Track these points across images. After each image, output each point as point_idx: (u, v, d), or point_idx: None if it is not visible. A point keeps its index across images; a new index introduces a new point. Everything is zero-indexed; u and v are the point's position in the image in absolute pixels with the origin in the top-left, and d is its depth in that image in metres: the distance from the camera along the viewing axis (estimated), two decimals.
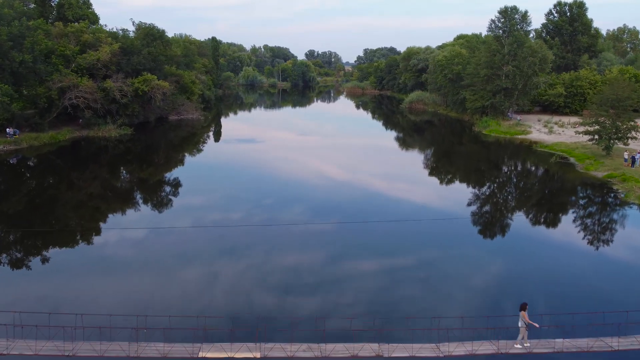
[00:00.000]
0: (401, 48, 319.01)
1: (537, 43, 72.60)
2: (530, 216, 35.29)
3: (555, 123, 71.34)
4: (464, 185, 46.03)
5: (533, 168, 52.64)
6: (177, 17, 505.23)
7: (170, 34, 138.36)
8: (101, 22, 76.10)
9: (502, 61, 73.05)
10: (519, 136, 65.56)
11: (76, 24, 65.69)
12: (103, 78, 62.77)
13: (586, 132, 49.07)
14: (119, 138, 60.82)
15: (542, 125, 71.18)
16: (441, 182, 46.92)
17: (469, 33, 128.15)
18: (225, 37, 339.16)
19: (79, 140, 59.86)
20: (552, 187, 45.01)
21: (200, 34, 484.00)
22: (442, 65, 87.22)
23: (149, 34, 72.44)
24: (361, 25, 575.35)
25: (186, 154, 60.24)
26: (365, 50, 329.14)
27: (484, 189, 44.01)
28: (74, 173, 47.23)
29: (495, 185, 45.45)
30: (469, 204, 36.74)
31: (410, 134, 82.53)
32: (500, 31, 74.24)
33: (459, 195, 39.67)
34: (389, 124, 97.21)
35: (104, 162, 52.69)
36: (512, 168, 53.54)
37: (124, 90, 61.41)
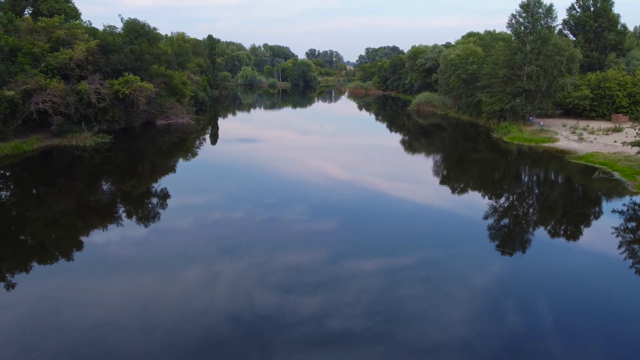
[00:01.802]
0: (403, 47, 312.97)
1: (564, 40, 65.40)
2: (588, 252, 28.13)
3: (584, 129, 64.22)
4: (487, 203, 38.67)
5: (572, 185, 44.76)
6: (177, 17, 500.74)
7: (168, 33, 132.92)
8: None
9: (524, 60, 65.94)
10: (545, 144, 58.38)
11: (48, 18, 58.57)
12: (78, 79, 55.79)
13: (635, 144, 41.97)
14: (95, 147, 53.78)
15: (569, 131, 64.03)
16: (463, 198, 39.77)
17: (469, 32, 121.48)
18: (225, 37, 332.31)
19: (49, 149, 52.80)
20: (606, 215, 34.57)
21: (201, 34, 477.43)
22: (456, 64, 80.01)
23: (133, 30, 65.32)
24: (362, 25, 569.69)
25: (175, 162, 53.64)
26: (367, 50, 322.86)
27: (513, 211, 36.85)
28: (42, 187, 40.79)
29: (529, 207, 38.20)
30: (496, 234, 29.76)
31: (420, 139, 75.23)
32: (522, 27, 67.06)
33: (480, 220, 32.57)
34: (395, 127, 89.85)
35: (77, 175, 45.82)
36: (546, 185, 45.18)
37: (102, 93, 54.36)
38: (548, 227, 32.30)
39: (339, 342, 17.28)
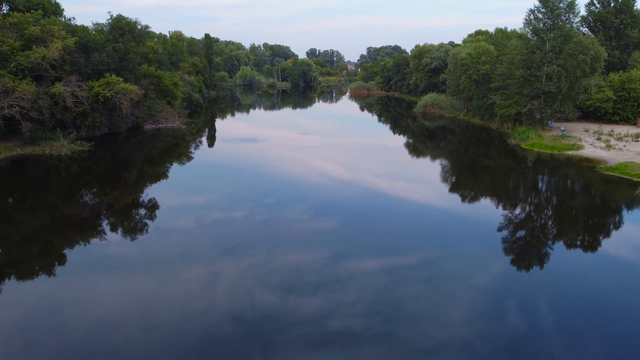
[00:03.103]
0: (405, 46, 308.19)
1: (588, 38, 59.90)
2: None
3: (610, 134, 58.79)
4: (506, 217, 33.06)
5: (611, 204, 38.42)
6: (177, 16, 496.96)
7: (167, 33, 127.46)
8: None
9: (543, 60, 60.50)
10: (569, 152, 52.96)
11: (20, 14, 53.15)
12: (54, 81, 50.43)
13: None
14: (71, 155, 48.39)
15: (594, 137, 58.62)
16: (477, 213, 34.28)
17: (477, 30, 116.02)
18: (226, 37, 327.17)
19: (20, 159, 47.36)
20: None
21: (201, 34, 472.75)
22: (467, 64, 74.51)
23: (117, 27, 59.88)
24: (363, 24, 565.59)
25: (163, 169, 49.10)
26: (369, 49, 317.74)
27: (540, 232, 31.35)
28: (11, 202, 36.27)
29: (559, 228, 32.66)
30: (521, 264, 24.29)
31: (427, 142, 69.76)
32: (541, 24, 61.60)
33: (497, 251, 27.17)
34: (402, 131, 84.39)
35: (51, 187, 40.70)
36: (579, 202, 38.81)
37: (79, 95, 48.95)
38: (591, 259, 26.79)
39: (340, 341, 17.35)
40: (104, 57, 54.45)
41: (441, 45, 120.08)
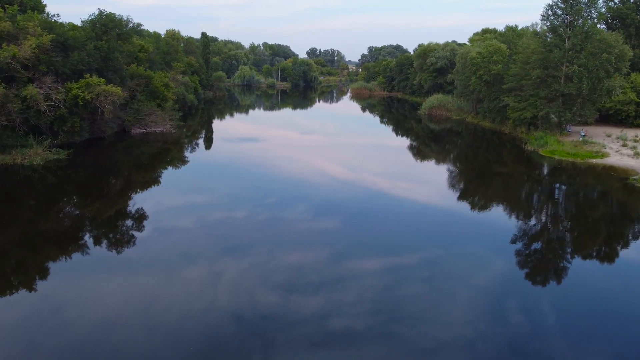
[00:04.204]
0: (407, 46, 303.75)
1: (612, 35, 55.12)
2: None
3: (635, 140, 54.08)
4: (527, 234, 28.53)
5: None
6: (177, 16, 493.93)
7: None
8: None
9: (563, 59, 55.79)
10: (593, 160, 48.28)
11: None
12: (27, 83, 45.79)
13: None
14: (45, 165, 43.73)
15: (618, 143, 53.93)
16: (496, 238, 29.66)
17: (484, 28, 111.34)
18: (226, 36, 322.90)
19: None
20: None
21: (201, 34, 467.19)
22: (477, 64, 69.76)
23: (100, 24, 55.12)
24: (363, 24, 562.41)
25: (155, 176, 44.85)
26: (370, 48, 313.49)
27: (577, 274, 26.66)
28: None
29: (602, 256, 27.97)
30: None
31: (432, 146, 65.03)
32: (559, 20, 56.87)
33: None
34: (408, 133, 79.69)
35: (23, 200, 36.18)
36: (615, 221, 34.81)
37: (54, 98, 44.30)
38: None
39: (342, 341, 17.36)
40: (84, 56, 49.71)
41: (447, 44, 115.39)
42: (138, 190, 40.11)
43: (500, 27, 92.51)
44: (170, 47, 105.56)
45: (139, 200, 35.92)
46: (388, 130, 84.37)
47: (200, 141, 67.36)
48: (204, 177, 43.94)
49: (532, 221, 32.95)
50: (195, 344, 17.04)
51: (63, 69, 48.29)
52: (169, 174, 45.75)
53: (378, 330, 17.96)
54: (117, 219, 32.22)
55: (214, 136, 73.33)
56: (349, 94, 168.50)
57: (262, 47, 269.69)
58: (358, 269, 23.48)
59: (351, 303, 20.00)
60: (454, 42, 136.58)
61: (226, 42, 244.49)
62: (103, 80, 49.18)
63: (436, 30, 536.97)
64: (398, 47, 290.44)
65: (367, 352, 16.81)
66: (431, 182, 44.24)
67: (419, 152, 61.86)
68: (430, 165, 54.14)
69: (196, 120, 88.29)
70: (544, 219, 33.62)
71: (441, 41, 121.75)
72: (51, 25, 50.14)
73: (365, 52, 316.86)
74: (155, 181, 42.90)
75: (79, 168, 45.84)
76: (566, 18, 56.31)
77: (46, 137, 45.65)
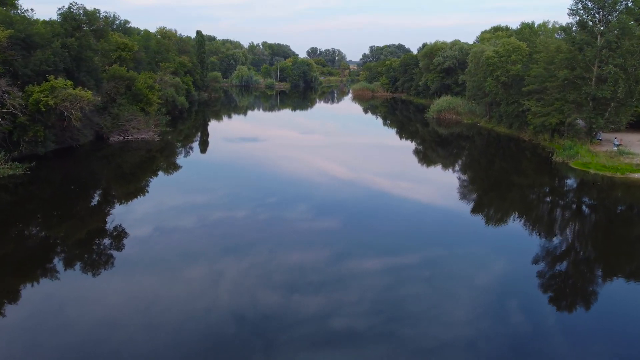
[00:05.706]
0: (409, 46, 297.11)
1: None
2: None
3: None
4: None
5: None
6: (177, 16, 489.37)
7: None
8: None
9: (594, 59, 49.28)
10: (635, 175, 41.79)
11: None
12: None
13: None
14: None
15: None
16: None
17: (494, 26, 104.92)
18: (226, 36, 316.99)
19: None
20: None
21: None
22: (494, 63, 63.19)
23: (70, 19, 48.52)
24: (364, 24, 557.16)
25: (140, 186, 40.74)
26: (372, 48, 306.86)
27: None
28: None
29: None
30: None
31: (441, 153, 58.45)
32: (591, 14, 50.32)
33: None
34: (415, 138, 73.13)
35: None
36: None
37: (8, 104, 37.84)
38: None
39: (343, 341, 17.21)
40: (49, 55, 43.20)
41: (455, 42, 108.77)
42: (122, 200, 36.88)
43: (524, 22, 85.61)
44: (161, 46, 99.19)
45: (123, 211, 33.58)
46: (397, 136, 77.80)
47: (195, 144, 64.19)
48: (203, 178, 43.48)
49: (562, 240, 26.50)
50: (196, 344, 16.89)
51: (23, 70, 41.86)
52: (159, 181, 43.18)
53: (379, 330, 17.93)
54: (98, 230, 26.05)
55: (209, 139, 69.14)
56: (350, 95, 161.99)
57: (261, 47, 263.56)
58: (359, 269, 23.45)
59: (352, 303, 20.02)
60: (458, 40, 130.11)
61: (224, 42, 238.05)
62: (70, 82, 42.72)
63: (437, 30, 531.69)
64: (400, 47, 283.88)
65: (368, 352, 16.69)
66: (447, 194, 37.88)
67: (440, 159, 55.71)
68: (450, 176, 47.69)
69: (188, 125, 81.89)
70: (571, 239, 27.07)
71: (444, 40, 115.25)
72: (11, 20, 43.64)
73: (367, 52, 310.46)
74: (142, 190, 39.66)
75: (43, 183, 39.57)
76: (599, 12, 49.76)
77: (0, 150, 39.19)
